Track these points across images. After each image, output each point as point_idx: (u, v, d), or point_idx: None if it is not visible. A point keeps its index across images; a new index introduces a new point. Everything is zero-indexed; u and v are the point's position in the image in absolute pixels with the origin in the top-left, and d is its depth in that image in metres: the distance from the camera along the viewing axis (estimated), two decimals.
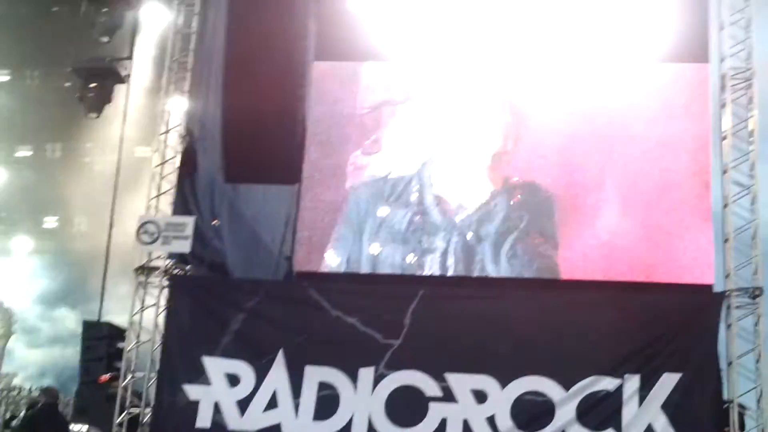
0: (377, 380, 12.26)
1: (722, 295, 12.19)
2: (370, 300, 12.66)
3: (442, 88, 14.00)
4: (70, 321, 24.84)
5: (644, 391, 11.72)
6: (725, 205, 12.66)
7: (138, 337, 13.19)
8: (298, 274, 13.43)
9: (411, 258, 13.28)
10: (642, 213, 13.05)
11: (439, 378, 12.10)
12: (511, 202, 13.26)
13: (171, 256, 13.33)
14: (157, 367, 12.82)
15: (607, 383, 11.85)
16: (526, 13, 13.99)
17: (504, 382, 11.98)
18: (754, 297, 12.15)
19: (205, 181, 13.96)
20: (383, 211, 13.47)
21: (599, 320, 12.15)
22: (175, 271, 13.36)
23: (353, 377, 12.30)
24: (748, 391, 11.95)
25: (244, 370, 12.49)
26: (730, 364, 11.98)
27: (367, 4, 14.21)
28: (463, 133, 13.74)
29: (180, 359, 12.67)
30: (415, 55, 14.11)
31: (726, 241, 12.51)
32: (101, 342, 16.62)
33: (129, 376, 13.13)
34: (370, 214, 13.50)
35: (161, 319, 13.03)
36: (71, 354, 20.56)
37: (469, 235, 13.20)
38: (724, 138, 12.95)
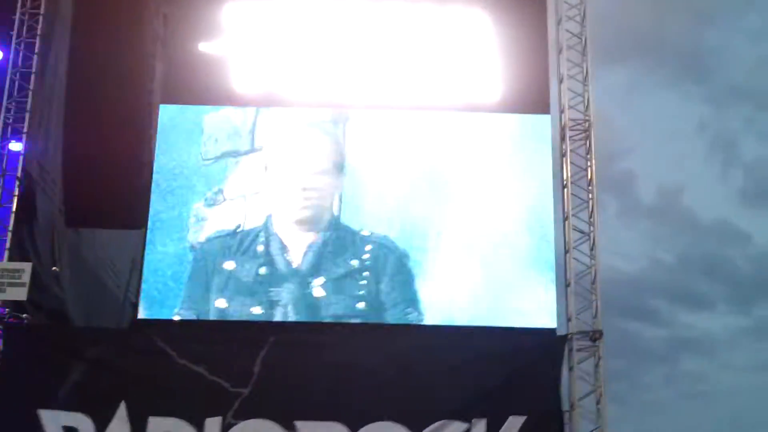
0: (225, 430, 12.00)
1: (564, 338, 12.60)
2: (219, 348, 12.42)
3: (282, 137, 13.91)
4: None
5: None
6: (566, 251, 13.13)
7: None
8: (142, 322, 13.01)
9: (258, 311, 13.06)
10: (482, 263, 13.28)
11: (289, 426, 11.97)
12: (363, 257, 13.26)
13: (6, 304, 12.71)
14: None
15: (456, 427, 12.02)
16: (368, 64, 14.19)
17: (354, 429, 11.94)
18: (594, 340, 12.61)
19: (44, 225, 13.44)
20: (230, 264, 13.23)
21: (446, 364, 12.32)
22: (10, 320, 12.72)
23: (199, 428, 12.00)
24: None
25: (84, 422, 11.99)
26: (572, 405, 12.36)
27: (217, 48, 14.08)
28: (301, 181, 13.61)
29: (14, 413, 12.01)
30: (259, 100, 14.05)
31: (567, 285, 12.95)
32: None
33: None
34: (217, 269, 13.21)
35: None
36: None
37: (313, 287, 13.12)
38: (565, 186, 13.45)
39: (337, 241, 13.34)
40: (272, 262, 13.20)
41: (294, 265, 13.21)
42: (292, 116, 13.99)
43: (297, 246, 13.30)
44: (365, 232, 13.38)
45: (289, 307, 13.04)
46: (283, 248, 13.26)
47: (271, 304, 13.08)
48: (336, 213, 13.49)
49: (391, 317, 13.07)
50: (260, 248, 13.27)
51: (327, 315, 13.05)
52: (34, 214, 13.41)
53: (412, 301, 13.13)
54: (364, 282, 13.14)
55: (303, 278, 13.16)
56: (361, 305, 13.07)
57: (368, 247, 13.29)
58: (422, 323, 13.04)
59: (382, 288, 13.13)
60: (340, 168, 13.65)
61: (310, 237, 13.36)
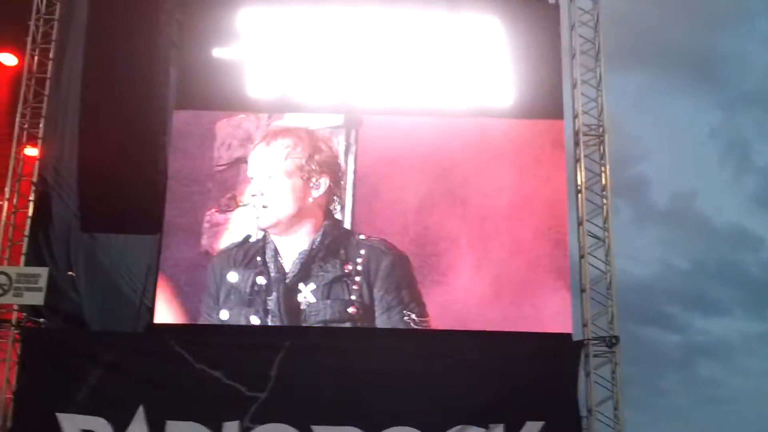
0: None
1: (580, 344, 12.63)
2: (235, 352, 12.43)
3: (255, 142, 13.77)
4: None
5: None
6: (582, 256, 13.14)
7: None
8: (159, 326, 13.01)
9: (255, 320, 13.05)
10: (497, 269, 13.24)
11: (305, 430, 11.97)
12: (357, 260, 13.21)
13: (23, 308, 12.74)
14: (9, 424, 12.18)
15: None
16: (382, 70, 14.18)
17: None
18: (611, 345, 12.60)
19: (60, 230, 13.48)
20: (233, 276, 13.20)
21: (463, 369, 12.32)
22: (28, 324, 12.75)
23: None
24: None
25: (102, 426, 12.02)
26: (589, 411, 12.36)
27: (232, 54, 14.10)
28: (251, 188, 13.46)
29: (33, 416, 12.08)
30: (273, 106, 14.03)
31: (583, 291, 12.97)
32: None
33: None
34: (224, 281, 13.19)
35: (13, 374, 12.40)
36: None
37: (300, 292, 13.07)
38: (579, 192, 13.46)
39: (330, 245, 13.25)
40: (268, 270, 13.18)
41: (284, 272, 13.15)
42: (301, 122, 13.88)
43: (288, 252, 13.24)
44: (362, 236, 13.33)
45: (278, 314, 12.99)
46: (276, 255, 13.23)
47: (266, 313, 13.04)
48: (337, 217, 13.36)
49: (383, 322, 12.98)
50: (259, 258, 13.25)
51: (316, 320, 12.96)
52: (49, 219, 13.46)
53: (409, 304, 13.06)
54: (356, 287, 13.06)
55: (291, 284, 13.09)
56: (351, 310, 12.99)
57: (362, 251, 13.24)
58: (423, 328, 12.99)
59: (375, 292, 13.07)
60: (309, 172, 13.37)
61: (301, 243, 13.28)
